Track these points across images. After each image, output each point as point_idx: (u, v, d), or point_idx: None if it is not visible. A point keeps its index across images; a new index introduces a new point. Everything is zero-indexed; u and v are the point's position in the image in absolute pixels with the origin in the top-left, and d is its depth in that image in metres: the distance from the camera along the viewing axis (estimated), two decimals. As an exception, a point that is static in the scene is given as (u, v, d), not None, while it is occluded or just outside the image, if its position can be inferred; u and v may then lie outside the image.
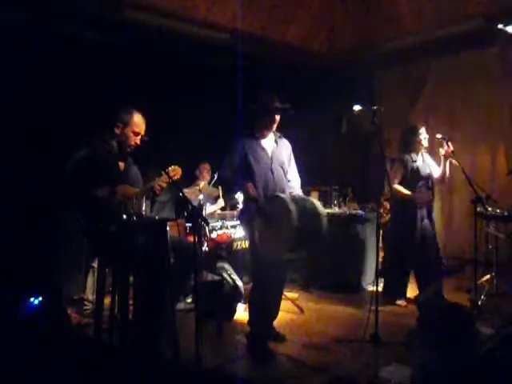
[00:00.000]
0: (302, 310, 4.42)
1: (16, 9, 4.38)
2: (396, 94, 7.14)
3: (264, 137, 3.56)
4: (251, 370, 3.23)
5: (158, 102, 4.89)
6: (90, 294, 4.19)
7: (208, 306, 3.88)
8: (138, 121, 3.22)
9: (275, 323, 3.68)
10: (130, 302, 3.13)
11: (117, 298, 3.12)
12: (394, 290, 4.62)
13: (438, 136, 4.40)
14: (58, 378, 2.62)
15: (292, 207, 3.07)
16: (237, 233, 5.08)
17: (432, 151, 4.75)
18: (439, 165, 4.52)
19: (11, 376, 2.60)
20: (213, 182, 5.24)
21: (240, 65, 5.45)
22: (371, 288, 4.96)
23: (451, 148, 4.34)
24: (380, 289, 4.47)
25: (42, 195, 4.43)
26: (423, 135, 4.48)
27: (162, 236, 3.08)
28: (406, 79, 7.00)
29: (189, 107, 5.61)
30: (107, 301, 3.20)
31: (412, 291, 4.71)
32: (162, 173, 3.14)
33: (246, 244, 4.94)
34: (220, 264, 4.49)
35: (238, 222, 4.98)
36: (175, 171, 3.20)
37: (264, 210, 3.26)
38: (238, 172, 3.41)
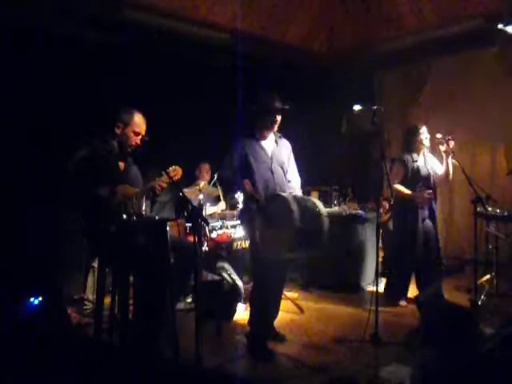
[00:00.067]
0: (301, 310, 4.42)
1: (16, 9, 4.38)
2: (396, 93, 7.14)
3: (265, 137, 3.56)
4: (251, 370, 3.23)
5: (158, 101, 4.89)
6: (90, 294, 4.19)
7: (208, 306, 3.87)
8: (139, 121, 3.22)
9: (275, 323, 3.68)
10: (130, 301, 3.13)
11: (117, 298, 3.13)
12: (397, 291, 4.61)
13: (438, 136, 4.40)
14: (58, 378, 2.62)
15: (294, 207, 3.08)
16: (237, 233, 5.08)
17: (434, 151, 4.74)
18: (442, 163, 4.50)
19: (11, 376, 2.60)
20: (213, 181, 5.24)
21: (240, 65, 5.45)
22: (371, 288, 4.96)
23: (451, 146, 4.34)
24: (380, 289, 4.48)
25: (42, 195, 4.43)
26: (424, 135, 4.47)
27: (162, 236, 3.08)
28: (406, 79, 7.00)
29: (189, 107, 5.61)
30: (107, 301, 3.20)
31: (412, 291, 4.71)
32: (163, 173, 3.14)
33: (245, 244, 4.94)
34: (220, 264, 4.49)
35: (238, 222, 4.98)
36: (176, 171, 3.20)
37: (265, 210, 3.26)
38: (238, 172, 3.41)
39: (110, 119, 3.26)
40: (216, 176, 5.07)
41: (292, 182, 3.61)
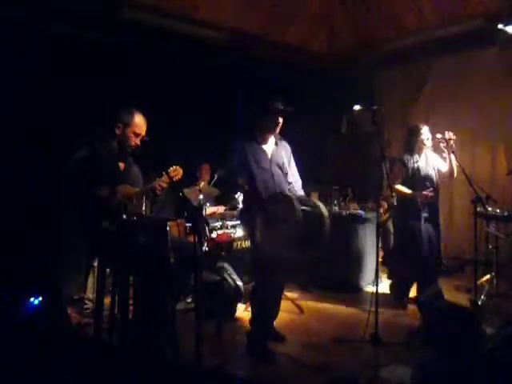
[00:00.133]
0: (301, 310, 4.42)
1: (16, 9, 4.38)
2: (396, 94, 7.14)
3: (266, 140, 3.55)
4: (251, 370, 3.23)
5: (158, 101, 4.89)
6: (90, 294, 4.19)
7: (208, 306, 3.88)
8: (139, 121, 3.21)
9: (275, 323, 3.68)
10: (130, 302, 3.13)
11: (117, 298, 3.13)
12: (400, 291, 4.60)
13: (439, 136, 4.39)
14: (58, 378, 2.62)
15: (297, 206, 3.09)
16: (237, 233, 5.08)
17: (436, 150, 4.73)
18: (445, 161, 4.49)
19: (11, 376, 2.60)
20: (213, 182, 5.24)
21: (240, 65, 5.46)
22: (371, 288, 4.96)
23: (452, 142, 4.32)
24: (381, 290, 4.46)
25: (42, 195, 4.43)
26: (426, 135, 4.46)
27: (161, 236, 3.08)
28: (406, 79, 7.00)
29: (189, 107, 5.61)
30: (107, 301, 3.20)
31: (412, 291, 4.71)
32: (163, 173, 3.14)
33: (246, 244, 4.94)
34: (220, 264, 4.49)
35: (238, 222, 4.98)
36: (176, 171, 3.20)
37: (266, 209, 3.25)
38: (238, 173, 3.40)
39: (110, 119, 3.26)
40: (216, 176, 5.08)
41: (293, 184, 3.61)
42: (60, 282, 4.27)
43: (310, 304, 4.67)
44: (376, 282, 3.67)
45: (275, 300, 3.60)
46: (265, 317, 3.52)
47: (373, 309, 3.52)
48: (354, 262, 5.15)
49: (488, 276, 4.64)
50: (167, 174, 3.09)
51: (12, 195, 4.25)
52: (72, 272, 4.54)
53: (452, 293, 4.77)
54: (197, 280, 2.85)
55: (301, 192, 3.61)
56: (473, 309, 4.04)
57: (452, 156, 4.39)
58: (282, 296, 3.82)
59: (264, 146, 3.54)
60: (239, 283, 4.32)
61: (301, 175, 3.73)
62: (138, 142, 3.21)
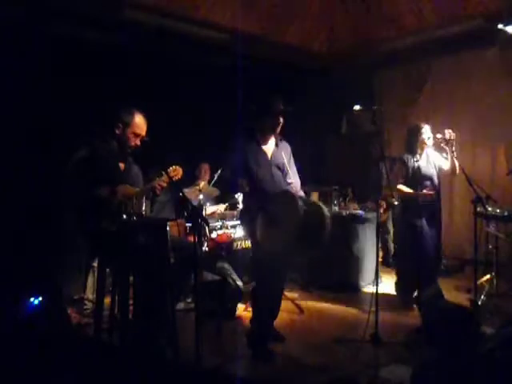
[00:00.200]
0: (301, 310, 4.42)
1: (16, 9, 4.38)
2: (396, 94, 7.14)
3: (266, 139, 3.55)
4: (251, 370, 3.23)
5: (158, 101, 4.89)
6: (90, 294, 4.19)
7: (208, 306, 3.88)
8: (140, 122, 3.20)
9: (275, 323, 3.68)
10: (130, 302, 3.13)
11: (117, 298, 3.13)
12: (410, 291, 4.58)
13: (439, 136, 4.39)
14: (58, 378, 2.62)
15: (301, 205, 3.10)
16: (237, 233, 5.08)
17: (438, 148, 4.72)
18: (447, 158, 4.48)
19: (11, 376, 2.60)
20: (213, 181, 5.24)
21: (240, 65, 5.45)
22: (371, 288, 4.96)
23: (452, 138, 4.31)
24: (383, 290, 4.46)
25: (42, 195, 4.43)
26: (427, 134, 4.45)
27: (162, 236, 3.08)
28: (406, 79, 7.00)
29: (189, 107, 5.61)
30: (107, 301, 3.20)
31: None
32: (163, 173, 3.14)
33: (245, 244, 4.94)
34: (220, 264, 4.49)
35: (238, 222, 4.98)
36: (176, 171, 3.20)
37: (267, 208, 3.25)
38: (238, 174, 3.41)
39: (110, 119, 3.26)
40: (216, 176, 5.08)
41: (293, 184, 3.61)
42: (60, 282, 4.27)
43: (309, 304, 4.67)
44: (376, 281, 3.67)
45: (276, 300, 3.60)
46: (265, 317, 3.52)
47: (373, 309, 3.52)
48: (354, 262, 5.14)
49: (488, 276, 4.64)
50: (167, 173, 3.09)
51: (12, 195, 4.25)
52: (72, 272, 4.54)
53: (452, 293, 4.77)
54: (197, 280, 2.85)
55: (300, 192, 3.61)
56: (472, 309, 4.03)
57: (454, 154, 4.38)
58: (282, 296, 3.82)
59: (264, 147, 3.54)
60: (239, 283, 4.32)
61: (301, 175, 3.73)
62: (138, 142, 3.20)
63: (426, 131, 4.45)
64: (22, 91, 4.31)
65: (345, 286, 5.09)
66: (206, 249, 4.80)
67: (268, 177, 3.47)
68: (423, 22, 5.52)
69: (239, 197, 4.87)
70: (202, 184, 5.28)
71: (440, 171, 4.51)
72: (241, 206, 4.74)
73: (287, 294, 4.50)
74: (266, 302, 3.46)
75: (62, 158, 3.10)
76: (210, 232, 5.00)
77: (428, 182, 4.42)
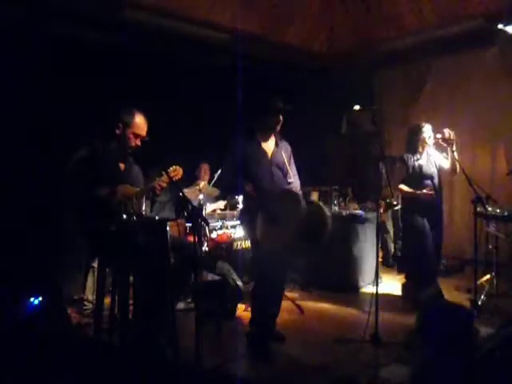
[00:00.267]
0: (301, 310, 4.42)
1: (16, 9, 4.38)
2: (396, 93, 7.15)
3: (266, 138, 3.56)
4: (251, 370, 3.23)
5: (158, 101, 4.89)
6: (89, 294, 4.19)
7: (208, 306, 3.88)
8: (140, 122, 3.19)
9: (275, 323, 3.68)
10: (130, 302, 3.13)
11: (117, 297, 3.12)
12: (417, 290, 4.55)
13: (438, 136, 4.39)
14: (58, 378, 2.62)
15: (303, 204, 3.12)
16: (237, 233, 5.09)
17: (439, 147, 4.72)
18: (447, 157, 4.48)
19: (11, 376, 2.60)
20: (213, 181, 5.24)
21: (240, 65, 5.45)
22: (371, 288, 4.96)
23: (452, 137, 4.31)
24: (383, 290, 4.46)
25: (42, 195, 4.43)
26: (427, 133, 4.45)
27: (162, 236, 3.08)
28: (406, 79, 7.00)
29: (189, 107, 5.61)
30: (107, 301, 3.20)
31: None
32: (163, 173, 3.14)
33: (246, 244, 4.94)
34: (220, 264, 4.49)
35: (238, 222, 4.99)
36: (176, 171, 3.20)
37: (267, 207, 3.25)
38: (238, 174, 3.41)
39: (110, 119, 3.26)
40: (216, 176, 5.08)
41: (293, 184, 3.61)
42: (60, 282, 4.27)
43: (309, 304, 4.67)
44: (376, 281, 3.67)
45: (275, 300, 3.60)
46: (265, 317, 3.52)
47: (373, 309, 3.52)
48: (354, 262, 5.15)
49: (488, 276, 4.63)
50: (167, 173, 3.09)
51: (12, 195, 4.25)
52: (72, 272, 4.54)
53: (452, 293, 4.77)
54: (197, 280, 2.85)
55: (300, 192, 3.61)
56: (469, 309, 4.03)
57: (455, 153, 4.37)
58: (283, 296, 3.82)
59: (264, 146, 3.55)
60: (239, 283, 4.32)
61: (301, 175, 3.73)
62: (139, 142, 3.20)
63: (427, 130, 4.45)
64: (22, 91, 4.31)
65: (345, 286, 5.09)
66: (206, 249, 4.80)
67: (268, 176, 3.47)
68: (423, 22, 5.52)
69: (239, 197, 4.87)
70: (202, 184, 5.28)
71: (440, 170, 4.51)
72: (241, 205, 4.75)
73: (287, 294, 4.50)
74: (266, 302, 3.46)
75: (62, 157, 3.10)
76: (210, 232, 5.00)
77: (429, 181, 4.42)
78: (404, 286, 4.71)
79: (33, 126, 4.47)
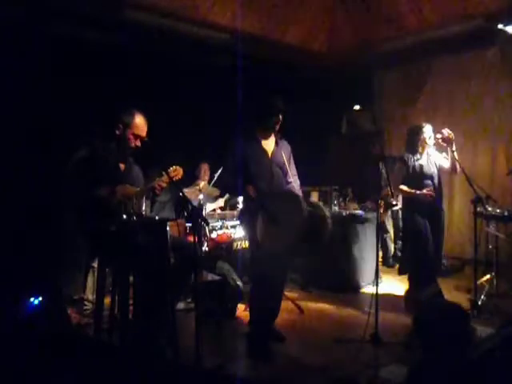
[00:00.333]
0: (301, 310, 4.42)
1: (16, 9, 4.38)
2: (396, 94, 7.15)
3: (266, 137, 3.56)
4: (251, 370, 3.23)
5: (158, 101, 4.89)
6: (89, 294, 4.18)
7: (208, 305, 3.88)
8: (140, 123, 3.18)
9: (275, 323, 3.68)
10: (130, 301, 3.13)
11: (117, 297, 3.12)
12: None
13: (438, 136, 4.39)
14: (58, 378, 2.62)
15: (304, 205, 3.12)
16: (237, 233, 5.09)
17: (439, 147, 4.71)
18: (447, 157, 4.48)
19: (11, 376, 2.60)
20: (213, 181, 5.24)
21: (240, 65, 5.45)
22: (371, 288, 4.96)
23: (451, 137, 4.31)
24: (383, 290, 4.44)
25: (42, 195, 4.43)
26: (428, 134, 4.44)
27: (162, 236, 3.08)
28: (406, 79, 7.00)
29: (189, 107, 5.61)
30: (107, 301, 3.20)
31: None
32: (163, 173, 3.14)
33: (246, 244, 4.94)
34: (220, 264, 4.49)
35: (238, 222, 4.98)
36: (176, 171, 3.19)
37: (268, 207, 3.26)
38: (239, 174, 3.41)
39: (110, 119, 3.26)
40: (216, 176, 5.08)
41: (292, 184, 3.61)
42: (60, 282, 4.27)
43: (309, 304, 4.66)
44: (376, 281, 3.67)
45: (275, 300, 3.60)
46: (264, 317, 3.52)
47: (373, 309, 3.52)
48: (354, 262, 5.14)
49: (488, 276, 4.63)
50: (167, 173, 3.09)
51: (12, 195, 4.25)
52: (72, 272, 4.54)
53: (452, 293, 4.77)
54: (197, 280, 2.85)
55: (299, 192, 3.61)
56: (468, 308, 4.03)
57: (455, 153, 4.37)
58: (282, 296, 3.82)
59: (264, 146, 3.55)
60: (239, 283, 4.32)
61: (301, 175, 3.73)
62: (138, 143, 3.19)
63: (427, 131, 4.45)
64: (22, 91, 4.31)
65: (345, 285, 5.09)
66: (206, 249, 4.80)
67: (268, 175, 3.48)
68: (423, 22, 5.52)
69: (239, 197, 4.87)
70: (202, 184, 5.28)
71: (440, 170, 4.51)
72: (241, 205, 4.75)
73: (287, 293, 4.50)
74: (266, 302, 3.46)
75: (62, 157, 3.10)
76: (210, 232, 5.00)
77: (429, 182, 4.42)
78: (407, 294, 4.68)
79: (33, 126, 4.47)
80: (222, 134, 4.06)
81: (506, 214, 4.43)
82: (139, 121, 3.19)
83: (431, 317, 2.63)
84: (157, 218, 3.43)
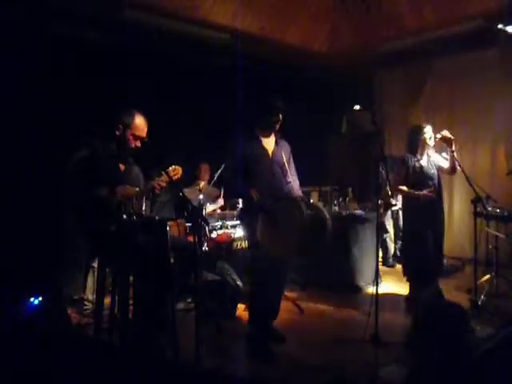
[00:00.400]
0: (301, 310, 4.42)
1: (16, 9, 4.38)
2: (396, 94, 7.15)
3: (267, 137, 3.57)
4: (251, 370, 3.23)
5: (158, 101, 4.89)
6: (89, 294, 4.19)
7: (208, 305, 3.88)
8: (140, 123, 3.17)
9: (275, 323, 3.68)
10: (130, 302, 3.13)
11: (117, 297, 3.13)
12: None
13: (438, 136, 4.39)
14: (58, 378, 2.62)
15: (304, 210, 3.13)
16: (237, 233, 5.08)
17: (439, 147, 4.72)
18: (447, 158, 4.48)
19: (11, 376, 2.60)
20: (213, 181, 5.24)
21: (240, 65, 5.45)
22: (371, 288, 4.96)
23: (451, 137, 4.31)
24: (383, 290, 4.44)
25: (42, 195, 4.43)
26: (428, 134, 4.44)
27: (162, 236, 3.08)
28: (406, 79, 7.00)
29: (189, 107, 5.61)
30: (107, 301, 3.20)
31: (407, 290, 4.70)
32: (162, 173, 3.14)
33: (246, 244, 4.94)
34: (220, 264, 4.49)
35: (238, 222, 4.98)
36: (176, 171, 3.19)
37: (269, 210, 3.25)
38: (239, 174, 3.41)
39: (110, 119, 3.25)
40: (216, 176, 5.08)
41: (292, 184, 3.62)
42: (60, 282, 4.27)
43: (309, 304, 4.66)
44: (376, 281, 3.67)
45: (275, 300, 3.60)
46: (264, 318, 3.52)
47: (373, 309, 3.52)
48: (354, 262, 5.14)
49: (488, 276, 4.63)
50: (166, 173, 3.09)
51: (12, 195, 4.25)
52: (72, 272, 4.54)
53: (452, 293, 4.77)
54: (197, 280, 2.85)
55: (299, 192, 3.62)
56: (468, 308, 4.03)
57: (454, 153, 4.37)
58: (282, 296, 3.82)
59: (265, 145, 3.56)
60: (239, 283, 4.32)
61: (301, 175, 3.73)
62: (138, 144, 3.18)
63: (428, 131, 4.45)
64: (22, 91, 4.31)
65: (345, 285, 5.08)
66: (206, 249, 4.79)
67: (269, 174, 3.48)
68: (423, 22, 5.52)
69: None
70: (202, 184, 5.28)
71: (440, 171, 4.51)
72: (241, 205, 4.74)
73: (287, 294, 4.50)
74: (266, 302, 3.46)
75: (62, 157, 3.10)
76: (210, 232, 5.00)
77: (429, 182, 4.42)
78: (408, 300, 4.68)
79: (33, 126, 4.47)
80: (222, 133, 4.06)
81: (505, 214, 4.43)
82: (139, 121, 3.18)
83: (431, 317, 2.62)
84: (157, 217, 3.42)
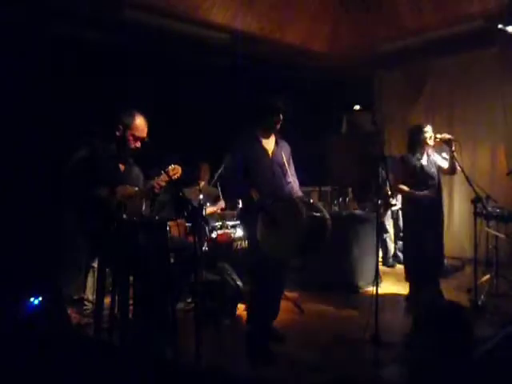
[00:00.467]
0: (302, 310, 4.42)
1: (16, 9, 4.38)
2: (396, 94, 7.15)
3: (267, 137, 3.57)
4: (251, 370, 3.22)
5: (158, 101, 4.89)
6: (90, 294, 4.19)
7: (208, 305, 3.88)
8: (140, 124, 3.17)
9: (275, 323, 3.68)
10: (130, 301, 3.13)
11: (117, 297, 3.13)
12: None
13: (438, 136, 4.39)
14: (58, 378, 2.62)
15: (303, 211, 3.12)
16: (237, 233, 5.08)
17: (439, 147, 4.72)
18: (447, 158, 4.48)
19: (11, 376, 2.60)
20: (213, 181, 5.24)
21: (240, 65, 5.46)
22: (371, 288, 4.95)
23: (452, 138, 4.31)
24: (383, 290, 4.44)
25: (42, 195, 4.43)
26: (428, 134, 4.45)
27: (162, 236, 3.08)
28: (406, 79, 7.01)
29: (189, 107, 5.61)
30: (107, 301, 3.20)
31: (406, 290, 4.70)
32: (162, 172, 3.13)
33: (246, 244, 4.94)
34: (220, 264, 4.49)
35: (238, 222, 4.98)
36: (175, 170, 3.20)
37: (269, 210, 3.25)
38: (239, 174, 3.41)
39: (110, 120, 3.25)
40: (216, 176, 5.08)
41: (291, 184, 3.61)
42: (60, 282, 4.27)
43: (309, 304, 4.66)
44: (376, 281, 3.67)
45: (275, 300, 3.60)
46: (264, 317, 3.52)
47: (373, 309, 3.51)
48: (354, 262, 5.14)
49: (488, 276, 4.64)
50: (166, 172, 3.08)
51: (12, 195, 4.25)
52: (72, 272, 4.54)
53: (452, 293, 4.77)
54: (197, 280, 2.85)
55: (299, 192, 3.62)
56: (469, 308, 4.03)
57: (454, 154, 4.37)
58: (282, 296, 3.82)
59: (265, 145, 3.55)
60: (239, 283, 4.32)
61: (301, 175, 3.73)
62: (138, 144, 3.18)
63: (428, 131, 4.45)
64: (22, 91, 4.31)
65: (345, 285, 5.08)
66: (206, 249, 4.79)
67: (269, 175, 3.48)
68: (423, 22, 5.53)
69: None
70: (202, 184, 5.28)
71: (440, 170, 4.51)
72: (241, 205, 4.74)
73: (287, 294, 4.50)
74: (265, 301, 3.46)
75: (62, 157, 3.10)
76: (210, 232, 5.00)
77: (429, 182, 4.43)
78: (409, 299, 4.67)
79: (33, 126, 4.47)
80: (222, 133, 4.06)
81: (506, 214, 4.43)
82: (139, 122, 3.17)
83: (431, 317, 2.63)
84: (157, 217, 3.43)
